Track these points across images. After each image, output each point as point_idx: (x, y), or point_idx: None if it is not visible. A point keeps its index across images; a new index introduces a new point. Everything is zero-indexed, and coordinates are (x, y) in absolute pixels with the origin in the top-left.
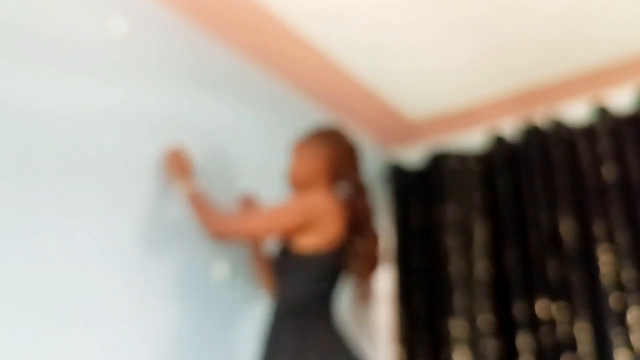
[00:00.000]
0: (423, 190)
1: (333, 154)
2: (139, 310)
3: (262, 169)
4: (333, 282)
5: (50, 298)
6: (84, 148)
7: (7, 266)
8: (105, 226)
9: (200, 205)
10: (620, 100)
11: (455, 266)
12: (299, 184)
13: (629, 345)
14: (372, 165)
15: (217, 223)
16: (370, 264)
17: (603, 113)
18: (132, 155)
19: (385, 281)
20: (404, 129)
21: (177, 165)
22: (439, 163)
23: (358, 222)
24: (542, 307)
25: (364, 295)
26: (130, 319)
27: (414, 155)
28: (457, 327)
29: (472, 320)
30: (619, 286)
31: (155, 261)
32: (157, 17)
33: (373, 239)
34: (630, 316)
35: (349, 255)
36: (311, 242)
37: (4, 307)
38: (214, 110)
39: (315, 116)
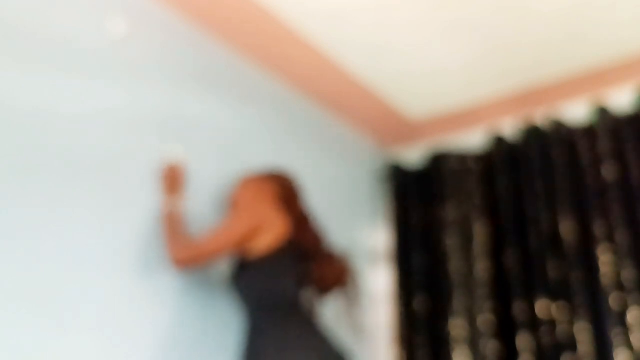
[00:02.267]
0: (423, 190)
1: (274, 189)
2: (139, 311)
3: (262, 168)
4: (300, 278)
5: (50, 298)
6: (84, 148)
7: (7, 266)
8: (104, 226)
9: (171, 229)
10: (620, 100)
11: (455, 266)
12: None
13: (629, 345)
14: (372, 165)
15: (178, 252)
16: (335, 283)
17: (603, 113)
18: (132, 156)
19: (385, 281)
20: (404, 129)
21: (169, 180)
22: (439, 163)
23: (308, 250)
24: (542, 307)
25: (349, 302)
26: (130, 319)
27: (413, 155)
28: (457, 327)
29: (472, 321)
30: (619, 286)
31: (155, 261)
32: (157, 17)
33: (328, 262)
34: (630, 316)
35: (313, 281)
36: (265, 241)
37: (4, 307)
38: (213, 110)
39: (315, 116)
